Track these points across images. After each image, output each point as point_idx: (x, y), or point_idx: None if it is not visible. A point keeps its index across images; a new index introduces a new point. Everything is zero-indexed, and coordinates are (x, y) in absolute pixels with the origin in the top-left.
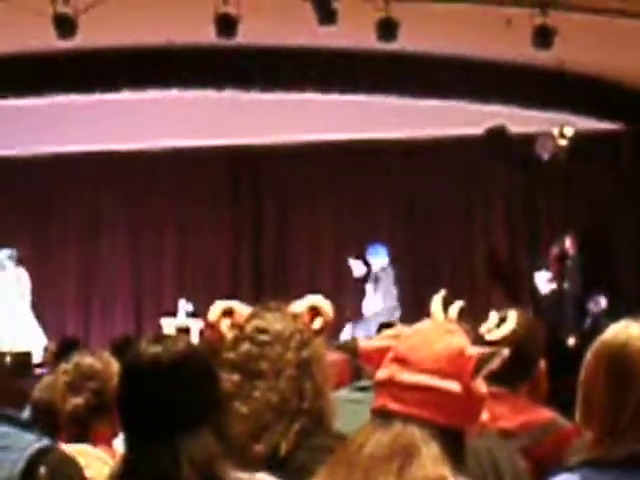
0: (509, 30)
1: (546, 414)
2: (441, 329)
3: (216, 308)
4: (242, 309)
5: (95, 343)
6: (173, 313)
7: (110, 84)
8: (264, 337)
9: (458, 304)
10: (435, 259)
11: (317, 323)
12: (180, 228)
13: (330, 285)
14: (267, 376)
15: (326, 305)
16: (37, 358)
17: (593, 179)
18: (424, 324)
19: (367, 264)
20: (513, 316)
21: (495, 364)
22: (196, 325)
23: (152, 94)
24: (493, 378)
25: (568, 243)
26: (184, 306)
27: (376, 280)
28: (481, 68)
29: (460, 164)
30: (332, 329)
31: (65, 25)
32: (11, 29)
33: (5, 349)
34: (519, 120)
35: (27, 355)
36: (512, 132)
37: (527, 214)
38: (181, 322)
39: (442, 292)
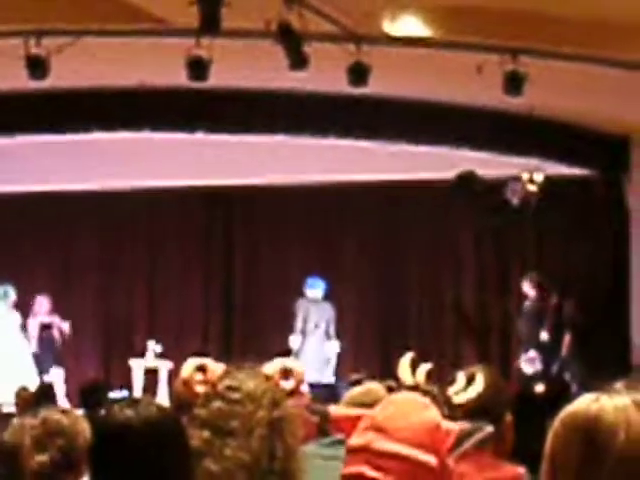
0: (480, 76)
1: (512, 471)
2: (418, 402)
3: (189, 364)
4: (215, 366)
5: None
6: (142, 354)
7: (82, 125)
8: (236, 395)
9: (426, 366)
10: (403, 305)
11: (289, 384)
12: (151, 269)
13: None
14: (238, 434)
15: (298, 366)
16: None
17: (563, 225)
18: (400, 395)
19: None
20: (480, 378)
21: (477, 440)
22: (165, 366)
23: (124, 135)
24: (458, 436)
25: (527, 285)
26: (153, 347)
27: (309, 314)
28: (452, 113)
29: (430, 209)
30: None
31: (37, 66)
32: None
33: None
34: (489, 165)
35: None
36: (482, 177)
37: (498, 261)
38: (150, 363)
39: (410, 354)
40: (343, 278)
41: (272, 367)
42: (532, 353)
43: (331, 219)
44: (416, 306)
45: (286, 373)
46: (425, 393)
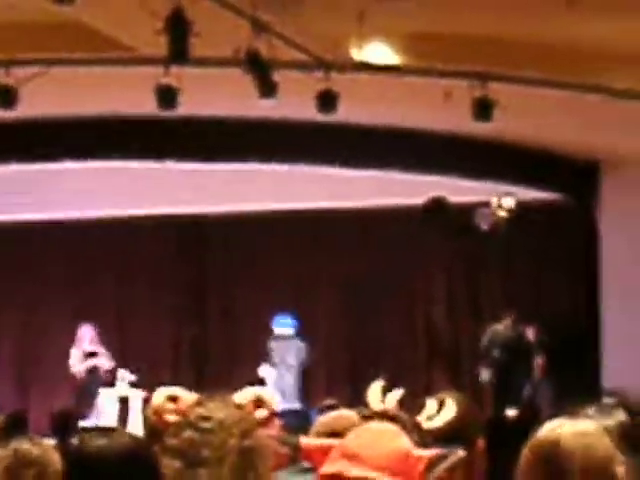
0: (449, 101)
1: None
2: (389, 430)
3: (160, 393)
4: (186, 396)
5: (34, 414)
6: (112, 383)
7: (51, 154)
8: (207, 424)
9: (396, 393)
10: (375, 333)
11: (261, 413)
12: (123, 297)
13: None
14: (209, 464)
15: (270, 396)
16: None
17: (533, 250)
18: (372, 424)
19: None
20: (451, 403)
21: (448, 464)
22: (137, 395)
23: (93, 164)
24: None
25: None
26: (124, 376)
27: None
28: (420, 139)
29: (399, 235)
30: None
31: (6, 95)
32: None
33: None
34: (458, 190)
35: None
36: (451, 202)
37: (468, 287)
38: (121, 392)
39: (380, 380)
40: (315, 306)
41: (243, 396)
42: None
43: (303, 247)
44: (387, 333)
45: (258, 402)
46: (394, 419)
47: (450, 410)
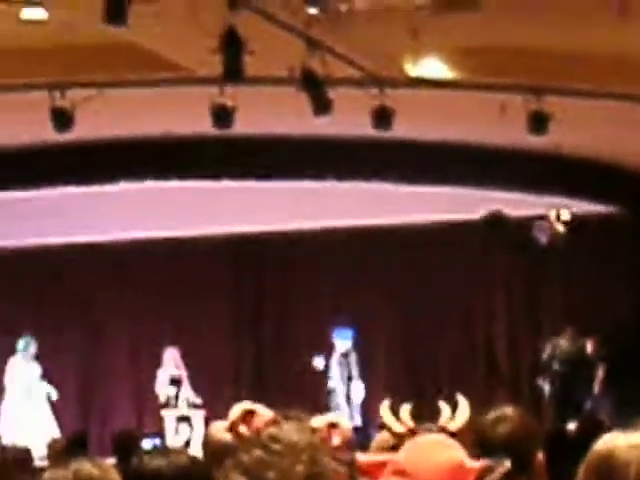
0: (504, 116)
1: None
2: (440, 442)
3: (238, 408)
4: (264, 412)
5: (96, 436)
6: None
7: (108, 176)
8: (277, 446)
9: (406, 407)
10: (434, 349)
11: (335, 440)
12: (181, 317)
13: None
14: None
15: (345, 423)
16: (41, 453)
17: (591, 262)
18: (424, 437)
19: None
20: (463, 401)
21: (497, 475)
22: (198, 415)
23: (150, 185)
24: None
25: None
26: (186, 396)
27: (345, 363)
28: (477, 154)
29: (458, 250)
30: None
31: (62, 118)
32: (9, 122)
33: (7, 443)
34: (516, 205)
35: (26, 451)
36: (510, 216)
37: (528, 301)
38: (182, 412)
39: (386, 401)
40: (374, 322)
41: (320, 421)
42: (539, 381)
43: (361, 264)
44: (447, 348)
45: (333, 428)
46: (453, 435)
47: (464, 409)
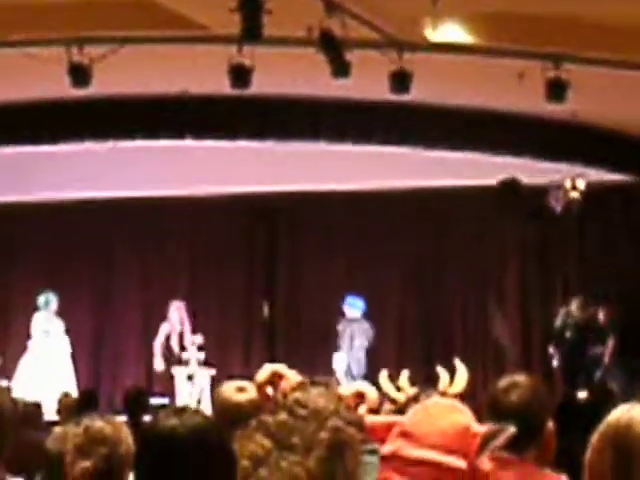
0: (522, 82)
1: (554, 479)
2: (447, 406)
3: (266, 370)
4: (292, 376)
5: (107, 390)
6: (185, 361)
7: (124, 132)
8: (302, 411)
9: (405, 374)
10: (446, 315)
11: (362, 409)
12: (193, 274)
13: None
14: (297, 451)
15: (373, 392)
16: (52, 409)
17: (606, 231)
18: (431, 400)
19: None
20: (461, 366)
21: (501, 441)
22: (207, 373)
23: (166, 142)
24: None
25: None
26: (196, 355)
27: (350, 332)
28: (493, 120)
29: (472, 215)
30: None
31: (80, 74)
32: (27, 77)
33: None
34: (531, 172)
35: (37, 406)
36: (524, 184)
37: (541, 268)
38: (192, 370)
39: (384, 372)
40: (385, 288)
41: (348, 389)
42: (550, 349)
43: (373, 228)
44: (458, 316)
45: (360, 397)
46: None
47: (462, 372)
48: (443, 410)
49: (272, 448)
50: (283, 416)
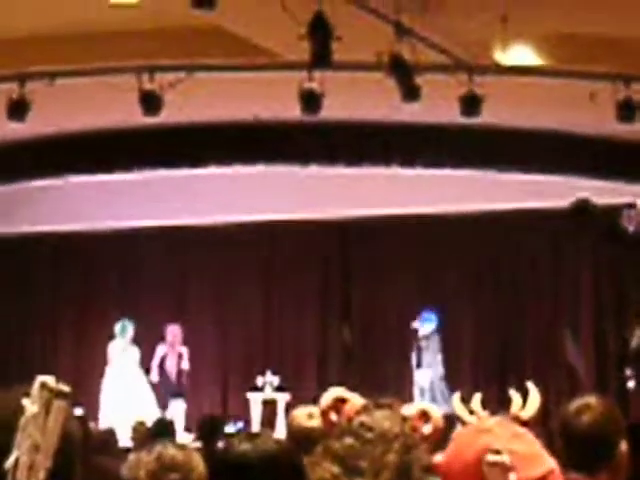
0: (593, 103)
1: None
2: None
3: (329, 395)
4: (356, 400)
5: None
6: (259, 387)
7: (196, 159)
8: (369, 434)
9: (477, 397)
10: (520, 336)
11: (427, 429)
12: (267, 301)
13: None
14: (366, 474)
15: (437, 412)
16: (127, 435)
17: None
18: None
19: None
20: (533, 388)
21: None
22: (282, 399)
23: (238, 169)
24: (571, 464)
25: None
26: (271, 380)
27: (419, 348)
28: (565, 141)
29: (545, 237)
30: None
31: (151, 101)
32: (98, 105)
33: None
34: (603, 192)
35: (111, 433)
36: (597, 205)
37: (615, 289)
38: (268, 396)
39: (457, 394)
40: (458, 310)
41: (412, 408)
42: (627, 371)
43: (447, 250)
44: (532, 336)
45: (424, 416)
46: (523, 424)
47: (535, 396)
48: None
49: (340, 473)
50: (349, 440)
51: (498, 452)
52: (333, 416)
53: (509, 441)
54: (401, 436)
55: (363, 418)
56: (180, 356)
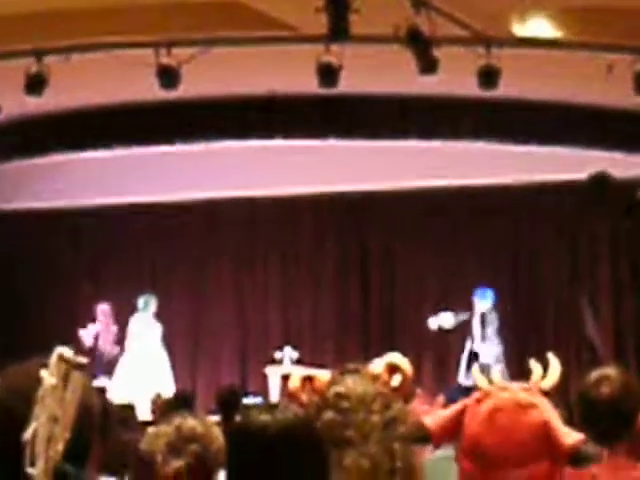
0: (610, 76)
1: None
2: (514, 409)
3: (295, 377)
4: (321, 375)
5: (201, 391)
6: (279, 361)
7: (213, 133)
8: (346, 404)
9: (497, 368)
10: (539, 308)
11: (396, 380)
12: (285, 275)
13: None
14: (355, 443)
15: (404, 362)
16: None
17: None
18: (495, 406)
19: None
20: (554, 359)
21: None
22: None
23: (255, 143)
24: (591, 437)
25: None
26: (289, 354)
27: (483, 323)
28: (582, 114)
29: (563, 210)
30: (411, 386)
31: (168, 75)
32: (116, 80)
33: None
34: (621, 165)
35: (130, 407)
36: (615, 178)
37: (632, 264)
38: (286, 370)
39: (476, 365)
40: (477, 284)
41: (379, 365)
42: None
43: (463, 223)
44: (549, 312)
45: (392, 369)
46: (544, 394)
47: (555, 367)
48: (513, 418)
49: (329, 449)
50: (329, 414)
51: None
52: (304, 397)
53: None
54: (377, 395)
55: (336, 389)
56: (113, 334)
